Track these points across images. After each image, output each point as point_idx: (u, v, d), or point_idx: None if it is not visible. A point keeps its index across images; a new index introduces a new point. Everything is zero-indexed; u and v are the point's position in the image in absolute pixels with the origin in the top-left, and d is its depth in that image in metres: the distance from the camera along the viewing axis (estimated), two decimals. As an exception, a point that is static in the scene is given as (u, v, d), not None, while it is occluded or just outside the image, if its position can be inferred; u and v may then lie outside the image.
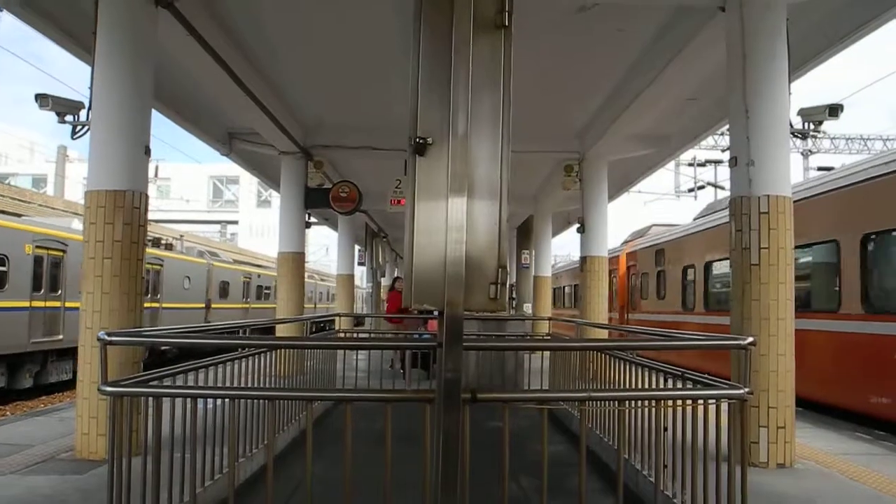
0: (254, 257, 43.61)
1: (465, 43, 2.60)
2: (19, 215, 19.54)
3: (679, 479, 4.23)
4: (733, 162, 6.18)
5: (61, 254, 16.48)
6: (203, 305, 25.86)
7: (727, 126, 8.22)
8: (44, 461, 5.54)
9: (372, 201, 15.65)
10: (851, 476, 5.52)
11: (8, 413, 12.87)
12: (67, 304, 16.25)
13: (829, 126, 15.79)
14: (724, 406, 3.51)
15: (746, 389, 3.34)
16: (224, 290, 28.16)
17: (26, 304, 15.23)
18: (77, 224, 17.81)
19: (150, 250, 20.32)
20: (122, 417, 3.22)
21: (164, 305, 22.10)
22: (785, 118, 6.16)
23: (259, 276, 33.62)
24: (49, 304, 16.02)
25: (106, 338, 3.27)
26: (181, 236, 31.07)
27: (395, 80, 8.92)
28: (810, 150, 27.07)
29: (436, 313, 2.77)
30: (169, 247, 24.58)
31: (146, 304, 22.22)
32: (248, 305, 31.06)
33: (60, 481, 4.93)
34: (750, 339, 3.50)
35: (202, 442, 4.19)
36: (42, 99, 6.89)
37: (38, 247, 15.72)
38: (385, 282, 31.02)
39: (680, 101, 10.20)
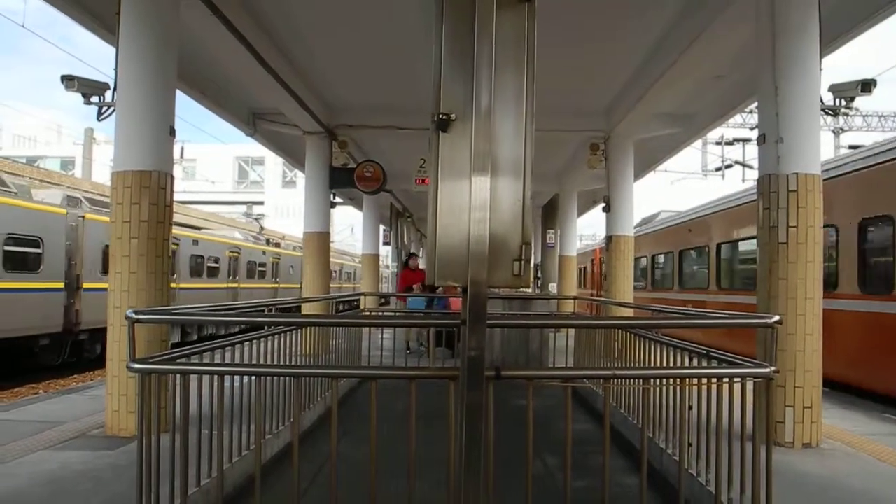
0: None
1: (488, 17, 2.55)
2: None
3: (703, 458, 4.21)
4: (762, 139, 6.08)
5: None
6: (299, 286, 33.98)
7: (756, 104, 8.07)
8: (76, 437, 5.67)
9: (397, 181, 15.64)
10: (878, 457, 5.46)
11: (41, 391, 13.14)
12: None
13: (861, 102, 15.42)
14: (750, 385, 3.48)
15: (772, 368, 3.30)
16: None
17: None
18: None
19: (273, 249, 31.68)
20: (150, 394, 3.27)
21: (280, 286, 31.35)
22: (815, 94, 6.03)
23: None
24: None
25: (133, 316, 3.31)
26: (283, 237, 40.81)
27: (419, 57, 8.84)
28: (842, 128, 26.56)
29: (459, 291, 2.77)
30: (277, 245, 33.85)
31: (271, 285, 29.24)
32: None
33: (92, 457, 5.04)
34: (776, 318, 3.44)
35: (229, 419, 4.24)
36: (68, 81, 6.97)
37: None
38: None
39: (707, 78, 10.02)
